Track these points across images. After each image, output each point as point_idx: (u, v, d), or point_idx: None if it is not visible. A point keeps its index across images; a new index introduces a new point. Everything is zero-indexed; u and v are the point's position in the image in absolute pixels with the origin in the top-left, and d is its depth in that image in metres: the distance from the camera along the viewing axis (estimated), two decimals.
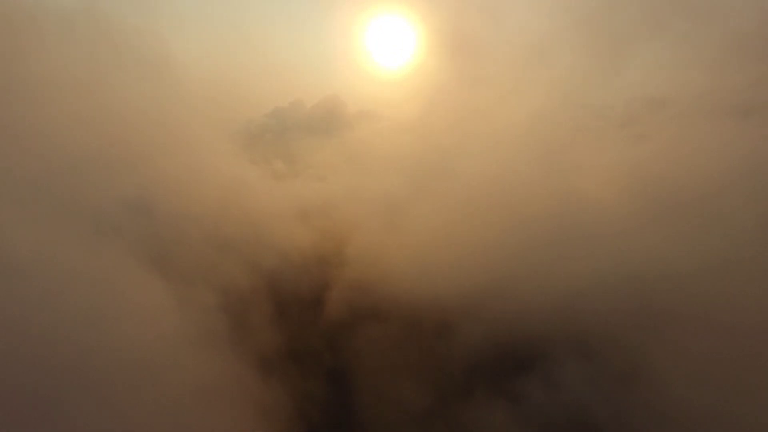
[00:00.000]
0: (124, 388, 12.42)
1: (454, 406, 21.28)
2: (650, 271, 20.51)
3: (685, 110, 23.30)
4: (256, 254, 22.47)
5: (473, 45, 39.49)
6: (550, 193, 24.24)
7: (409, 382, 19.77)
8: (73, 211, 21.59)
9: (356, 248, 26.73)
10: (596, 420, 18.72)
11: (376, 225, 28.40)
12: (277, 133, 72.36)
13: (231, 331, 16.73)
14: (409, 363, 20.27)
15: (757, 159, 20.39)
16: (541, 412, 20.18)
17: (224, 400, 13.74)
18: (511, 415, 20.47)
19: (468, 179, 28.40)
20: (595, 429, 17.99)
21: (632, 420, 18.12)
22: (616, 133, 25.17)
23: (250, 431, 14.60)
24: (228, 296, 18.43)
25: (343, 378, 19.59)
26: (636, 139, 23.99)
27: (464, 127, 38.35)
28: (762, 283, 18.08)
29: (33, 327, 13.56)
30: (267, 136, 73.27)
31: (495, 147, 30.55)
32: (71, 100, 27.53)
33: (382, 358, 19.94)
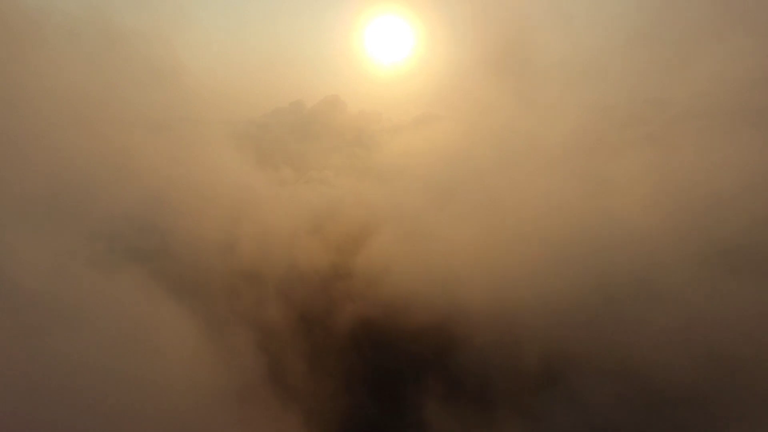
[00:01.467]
0: None
1: (476, 424, 20.84)
2: (682, 288, 20.16)
3: (733, 131, 22.77)
4: (280, 279, 21.52)
5: (505, 60, 38.91)
6: (581, 210, 23.76)
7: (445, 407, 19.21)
8: (83, 228, 20.63)
9: (378, 264, 26.00)
10: None
11: (396, 236, 27.74)
12: (281, 134, 71.50)
13: (269, 376, 15.65)
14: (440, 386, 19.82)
15: None
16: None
17: None
18: None
19: (494, 191, 27.82)
20: None
21: None
22: (658, 154, 24.62)
23: None
24: (262, 334, 17.35)
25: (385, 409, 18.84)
26: (679, 160, 23.46)
27: (480, 130, 37.96)
28: None
29: (48, 370, 12.57)
30: (268, 138, 72.27)
31: (517, 154, 30.03)
32: (77, 109, 26.44)
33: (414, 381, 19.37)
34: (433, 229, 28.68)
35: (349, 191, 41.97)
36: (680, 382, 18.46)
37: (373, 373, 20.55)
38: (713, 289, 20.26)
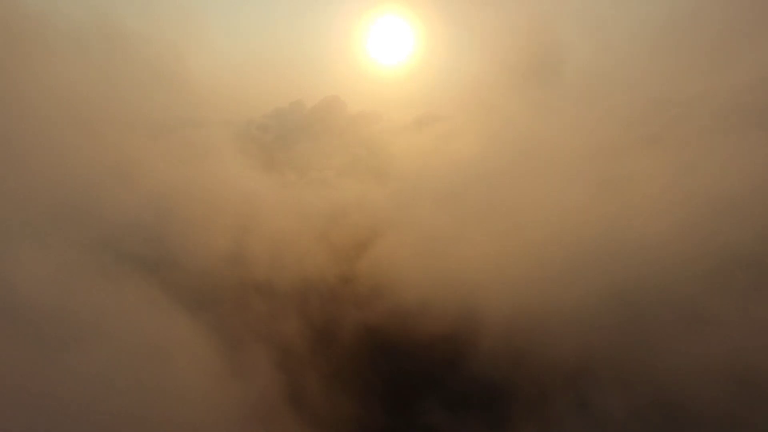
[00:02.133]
0: None
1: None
2: (699, 295, 19.87)
3: (752, 132, 22.43)
4: (290, 288, 21.02)
5: (509, 60, 38.45)
6: (596, 214, 23.42)
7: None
8: (88, 238, 20.12)
9: (387, 271, 25.57)
10: None
11: (404, 242, 27.28)
12: (281, 135, 71.10)
13: (283, 390, 15.14)
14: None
15: None
16: None
17: None
18: None
19: (504, 194, 27.41)
20: None
21: None
22: (674, 158, 24.30)
23: None
24: (273, 346, 16.82)
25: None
26: (697, 163, 23.14)
27: (484, 131, 37.60)
28: None
29: (56, 383, 12.06)
30: (269, 138, 71.81)
31: (525, 156, 29.65)
32: (80, 112, 25.92)
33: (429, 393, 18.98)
34: (441, 233, 28.31)
35: (352, 193, 41.66)
36: (701, 395, 18.10)
37: (386, 383, 20.17)
38: (730, 295, 19.97)
